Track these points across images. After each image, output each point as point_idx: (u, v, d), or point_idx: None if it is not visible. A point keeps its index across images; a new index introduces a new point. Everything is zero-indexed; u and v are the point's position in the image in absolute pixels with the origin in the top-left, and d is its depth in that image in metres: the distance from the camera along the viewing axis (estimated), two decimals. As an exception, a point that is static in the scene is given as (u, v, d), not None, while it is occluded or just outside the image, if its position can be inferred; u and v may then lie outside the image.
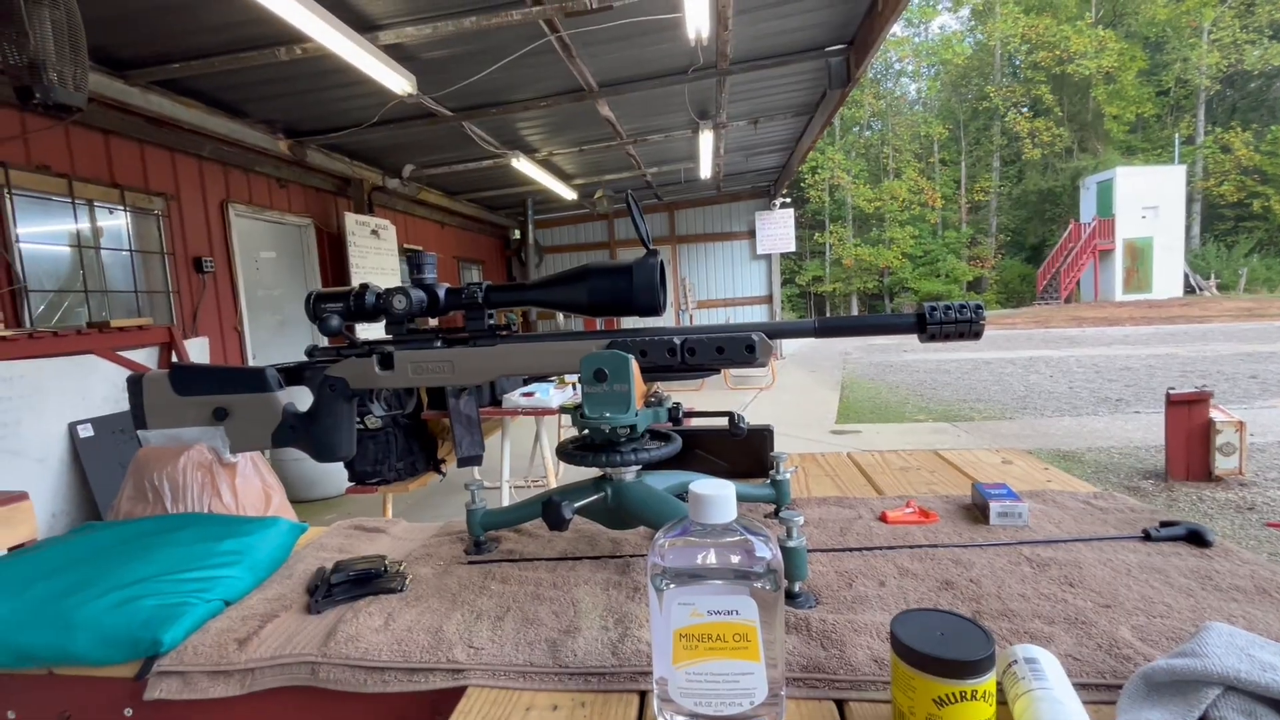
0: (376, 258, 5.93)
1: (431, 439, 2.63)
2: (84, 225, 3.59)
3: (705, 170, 6.97)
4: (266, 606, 0.72)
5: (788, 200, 10.09)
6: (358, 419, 0.85)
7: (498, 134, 5.45)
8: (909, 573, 0.72)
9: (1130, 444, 4.52)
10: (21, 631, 0.67)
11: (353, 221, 5.64)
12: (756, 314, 10.35)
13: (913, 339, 0.68)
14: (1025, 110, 25.48)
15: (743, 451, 1.07)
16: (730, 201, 10.11)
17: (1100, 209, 19.53)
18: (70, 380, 3.04)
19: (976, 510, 0.90)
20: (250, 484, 1.09)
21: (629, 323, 5.23)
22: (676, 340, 0.71)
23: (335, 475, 3.89)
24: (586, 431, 0.75)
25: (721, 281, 10.46)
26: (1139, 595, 0.64)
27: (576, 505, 0.72)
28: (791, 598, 0.65)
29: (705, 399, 7.32)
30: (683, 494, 0.77)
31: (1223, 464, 3.49)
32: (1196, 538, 0.75)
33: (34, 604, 0.70)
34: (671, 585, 0.46)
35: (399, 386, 0.81)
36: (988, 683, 0.43)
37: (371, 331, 2.58)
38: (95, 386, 3.16)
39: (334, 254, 5.70)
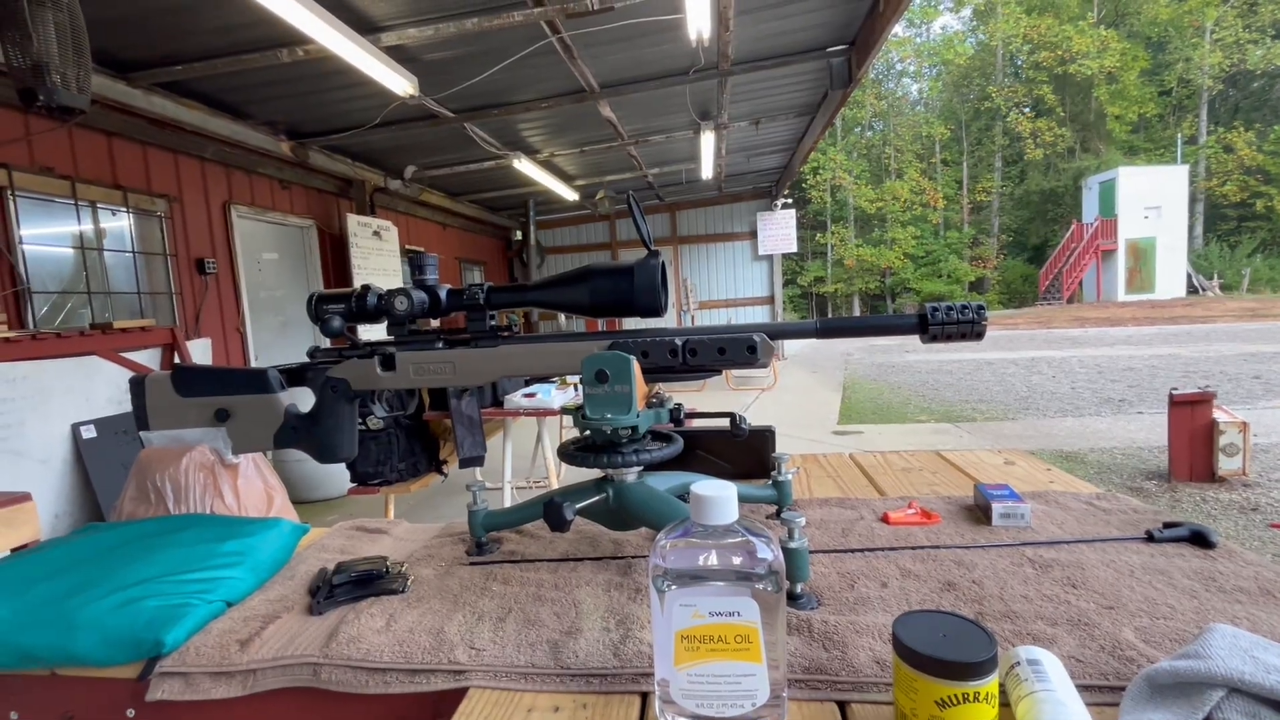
0: (378, 259, 5.94)
1: (433, 440, 2.63)
2: (87, 227, 3.60)
3: (707, 171, 6.98)
4: (268, 607, 0.73)
5: (789, 201, 10.09)
6: (360, 420, 0.85)
7: (499, 135, 5.45)
8: (911, 574, 0.72)
9: (1133, 445, 4.51)
10: (24, 632, 0.67)
11: (355, 223, 5.65)
12: (758, 315, 10.34)
13: (914, 340, 0.68)
14: (1027, 110, 25.45)
15: (744, 452, 1.07)
16: (732, 202, 10.11)
17: (1103, 209, 19.49)
18: (73, 381, 3.05)
19: (979, 511, 0.89)
20: (252, 485, 1.09)
21: (630, 324, 5.24)
22: (678, 341, 0.71)
23: (337, 476, 3.89)
24: (588, 432, 0.75)
25: (723, 282, 10.45)
26: (1142, 597, 0.64)
27: (578, 506, 0.72)
28: (793, 599, 0.65)
29: (707, 400, 7.32)
30: (684, 495, 0.77)
31: (1226, 465, 3.48)
32: (1200, 539, 0.75)
33: (37, 605, 0.70)
34: (673, 586, 0.46)
35: (401, 387, 0.81)
36: (990, 684, 0.43)
37: (373, 333, 2.58)
38: (98, 388, 3.16)
39: (336, 255, 5.71)
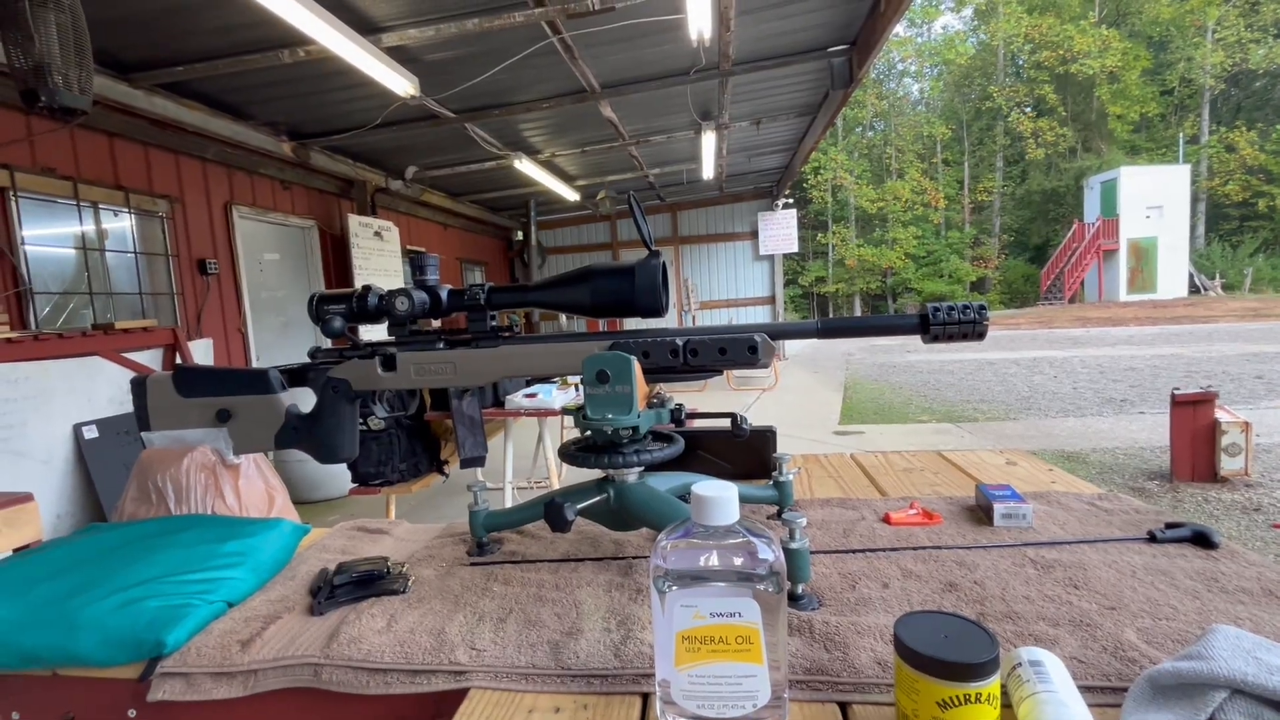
0: (379, 259, 5.94)
1: (434, 440, 2.63)
2: (89, 227, 3.61)
3: (708, 171, 6.97)
4: (269, 608, 0.73)
5: (790, 201, 10.08)
6: (361, 420, 0.85)
7: (500, 135, 5.46)
8: (912, 574, 0.72)
9: (1135, 445, 4.50)
10: (26, 632, 0.67)
11: (356, 223, 5.65)
12: (759, 315, 10.33)
13: (916, 340, 0.67)
14: (1029, 110, 25.43)
15: (745, 453, 1.06)
16: (733, 202, 10.11)
17: (1104, 209, 19.46)
18: (75, 382, 3.05)
19: (980, 512, 0.89)
20: (253, 485, 1.09)
21: (631, 324, 5.23)
22: (679, 341, 0.71)
23: (338, 476, 3.89)
24: (589, 433, 0.75)
25: (724, 282, 10.45)
26: (1144, 597, 0.64)
27: (579, 507, 0.72)
28: (794, 600, 0.65)
29: (708, 400, 7.31)
30: (685, 495, 0.77)
31: (1228, 465, 3.47)
32: (1202, 539, 0.75)
33: (38, 605, 0.71)
34: (674, 587, 0.46)
35: (402, 388, 0.81)
36: (992, 685, 0.43)
37: (374, 333, 2.58)
38: (100, 388, 3.17)
39: (337, 255, 5.72)
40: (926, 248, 25.01)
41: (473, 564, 0.81)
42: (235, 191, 4.67)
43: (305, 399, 0.83)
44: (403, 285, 0.79)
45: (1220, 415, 3.51)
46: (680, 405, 0.78)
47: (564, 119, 5.20)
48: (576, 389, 3.12)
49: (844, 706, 0.52)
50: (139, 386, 0.87)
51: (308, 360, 0.85)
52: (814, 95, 5.39)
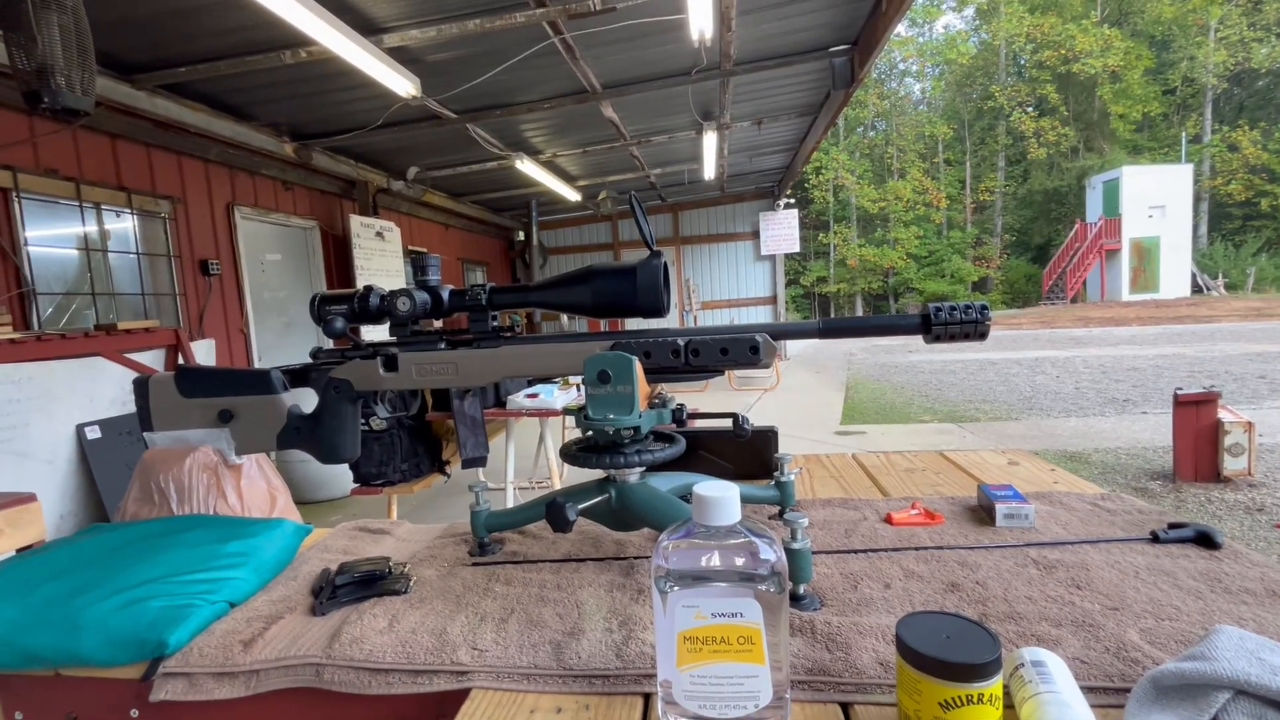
0: (381, 260, 5.95)
1: (436, 440, 2.63)
2: (91, 228, 3.62)
3: (709, 171, 6.97)
4: (271, 608, 0.73)
5: (792, 201, 10.08)
6: (362, 421, 0.85)
7: (501, 136, 5.46)
8: (914, 575, 0.72)
9: (1137, 445, 4.49)
10: (29, 633, 0.67)
11: (357, 224, 5.66)
12: (761, 315, 10.33)
13: (918, 340, 0.67)
14: (1030, 110, 25.38)
15: (747, 453, 1.06)
16: (734, 202, 10.11)
17: (1106, 208, 19.42)
18: (78, 382, 3.06)
19: (982, 512, 0.89)
20: (255, 485, 1.09)
21: (633, 324, 5.22)
22: (680, 341, 0.71)
23: (340, 477, 3.90)
24: (590, 433, 0.75)
25: (725, 282, 10.45)
26: (1147, 598, 0.64)
27: (580, 507, 0.72)
28: (796, 600, 0.65)
29: (709, 400, 7.31)
30: (687, 496, 0.77)
31: (1231, 465, 3.46)
32: (1205, 539, 0.75)
33: (41, 605, 0.71)
34: (675, 587, 0.46)
35: (403, 388, 0.81)
36: (994, 686, 0.43)
37: (376, 333, 2.59)
38: (103, 388, 3.17)
39: (339, 256, 5.72)
40: (928, 248, 24.98)
41: (474, 564, 0.81)
42: (237, 192, 4.68)
43: (307, 399, 0.83)
44: (404, 286, 0.79)
45: (1223, 415, 3.50)
46: (682, 405, 0.78)
47: (565, 119, 5.21)
48: (578, 389, 3.13)
49: (846, 707, 0.52)
50: (141, 387, 0.87)
51: (309, 361, 0.86)
52: (815, 95, 5.39)
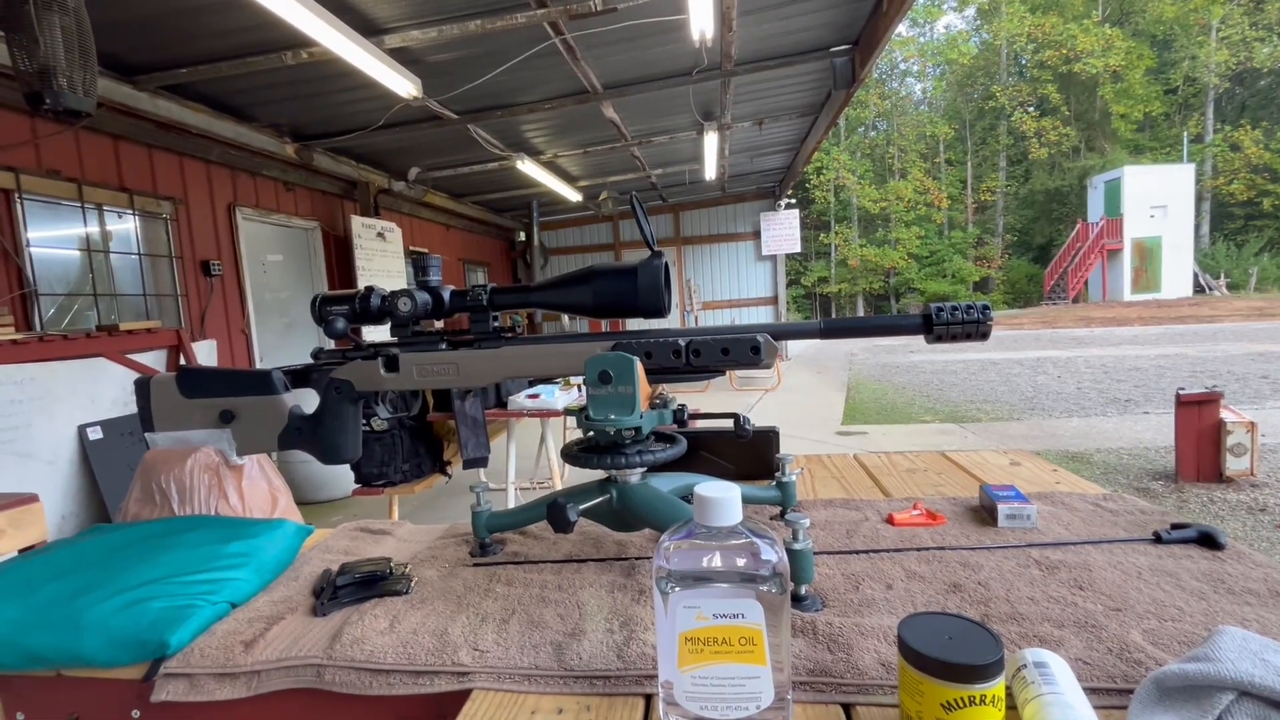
0: (382, 260, 5.95)
1: (437, 441, 2.63)
2: (93, 229, 3.62)
3: (710, 171, 6.97)
4: (272, 609, 0.73)
5: (793, 201, 10.08)
6: (364, 421, 0.85)
7: (502, 136, 5.46)
8: (916, 575, 0.72)
9: (1140, 445, 4.49)
10: (31, 633, 0.67)
11: (359, 224, 5.67)
12: (762, 315, 10.33)
13: (919, 340, 0.67)
14: (1032, 109, 25.35)
15: (748, 453, 1.06)
16: (735, 203, 10.11)
17: (1108, 208, 19.39)
18: (80, 383, 3.06)
19: (984, 512, 0.89)
20: (257, 486, 1.09)
21: (634, 324, 5.22)
22: (681, 342, 0.71)
23: (341, 477, 3.90)
24: (591, 434, 0.74)
25: (726, 283, 10.45)
26: (1150, 598, 0.63)
27: (582, 507, 0.72)
28: (798, 601, 0.65)
29: (710, 400, 7.31)
30: (688, 496, 0.77)
31: (1234, 465, 3.45)
32: (1208, 540, 0.75)
33: (43, 606, 0.71)
34: (677, 588, 0.46)
35: (405, 389, 0.81)
36: (997, 687, 0.43)
37: (377, 334, 2.59)
38: (104, 389, 3.18)
39: (340, 257, 5.73)
40: (929, 248, 24.96)
41: (475, 565, 0.81)
42: (239, 193, 4.69)
43: (308, 400, 0.83)
44: (405, 286, 0.79)
45: (1225, 415, 3.49)
46: (683, 406, 0.78)
47: (566, 120, 5.21)
48: (579, 390, 3.12)
49: (847, 708, 0.52)
50: (143, 388, 0.87)
51: (311, 361, 0.86)
52: (816, 95, 5.39)
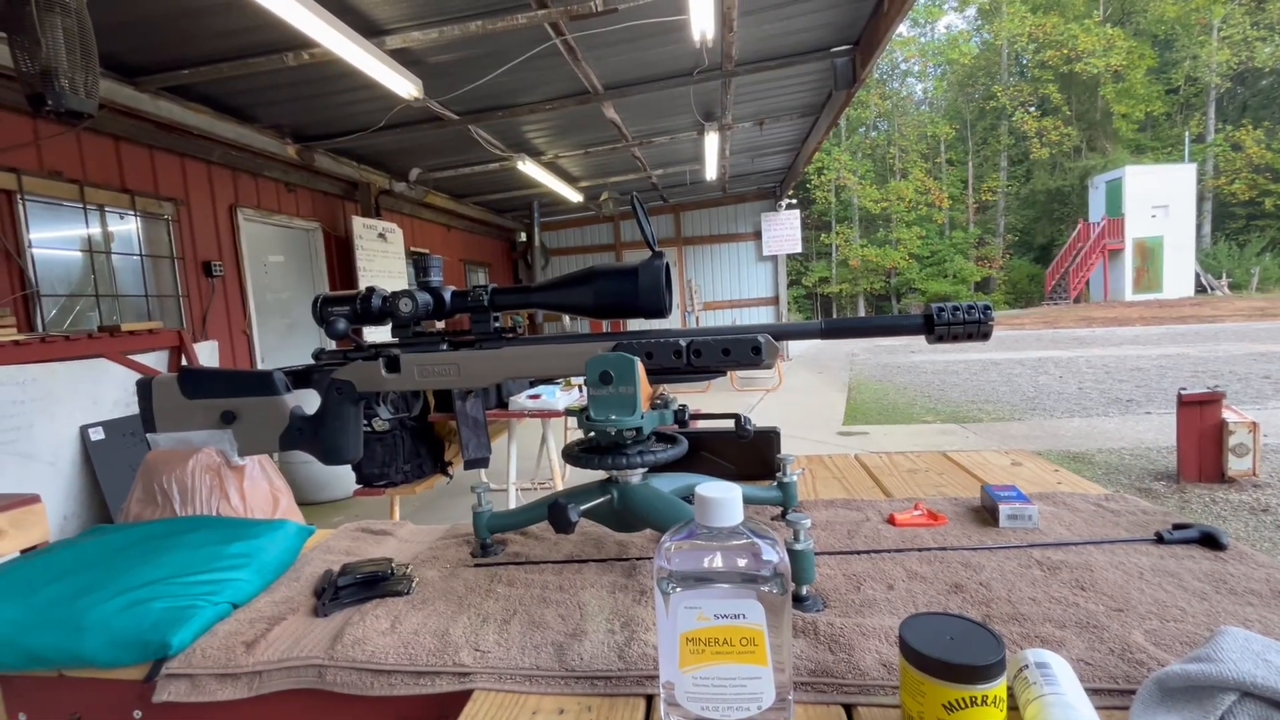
0: (383, 261, 5.96)
1: (438, 441, 2.64)
2: (95, 230, 3.63)
3: (711, 172, 6.97)
4: (274, 609, 0.73)
5: (794, 201, 10.08)
6: (365, 422, 0.85)
7: (503, 137, 5.47)
8: (917, 576, 0.71)
9: (1141, 445, 4.48)
10: (32, 633, 0.67)
11: (360, 225, 5.67)
12: (763, 315, 10.33)
13: (920, 340, 0.67)
14: (1033, 109, 25.34)
15: (749, 454, 1.06)
16: (736, 203, 10.11)
17: (1109, 208, 19.37)
18: (81, 384, 3.07)
19: (986, 512, 0.89)
20: (258, 487, 1.09)
21: (635, 325, 5.21)
22: (682, 342, 0.71)
23: (343, 478, 3.90)
24: (592, 434, 0.74)
25: (727, 283, 10.45)
26: (1152, 599, 0.63)
27: (583, 508, 0.72)
28: (799, 601, 0.65)
29: (712, 401, 7.31)
30: (689, 497, 0.77)
31: (1236, 465, 3.45)
32: (1210, 540, 0.74)
33: (45, 606, 0.71)
34: (678, 589, 0.46)
35: (406, 389, 0.81)
36: (998, 688, 0.42)
37: (378, 335, 2.59)
38: (106, 390, 3.18)
39: (341, 257, 5.73)
40: (930, 248, 24.94)
41: (477, 565, 0.81)
42: (240, 194, 4.69)
43: (309, 401, 0.83)
44: (406, 287, 0.79)
45: (1227, 415, 3.49)
46: (684, 406, 0.78)
47: (567, 120, 5.21)
48: (580, 390, 3.13)
49: (849, 709, 0.52)
50: (144, 388, 0.87)
51: (312, 362, 0.86)
52: (817, 95, 5.39)
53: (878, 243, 25.24)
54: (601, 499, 0.75)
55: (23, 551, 1.02)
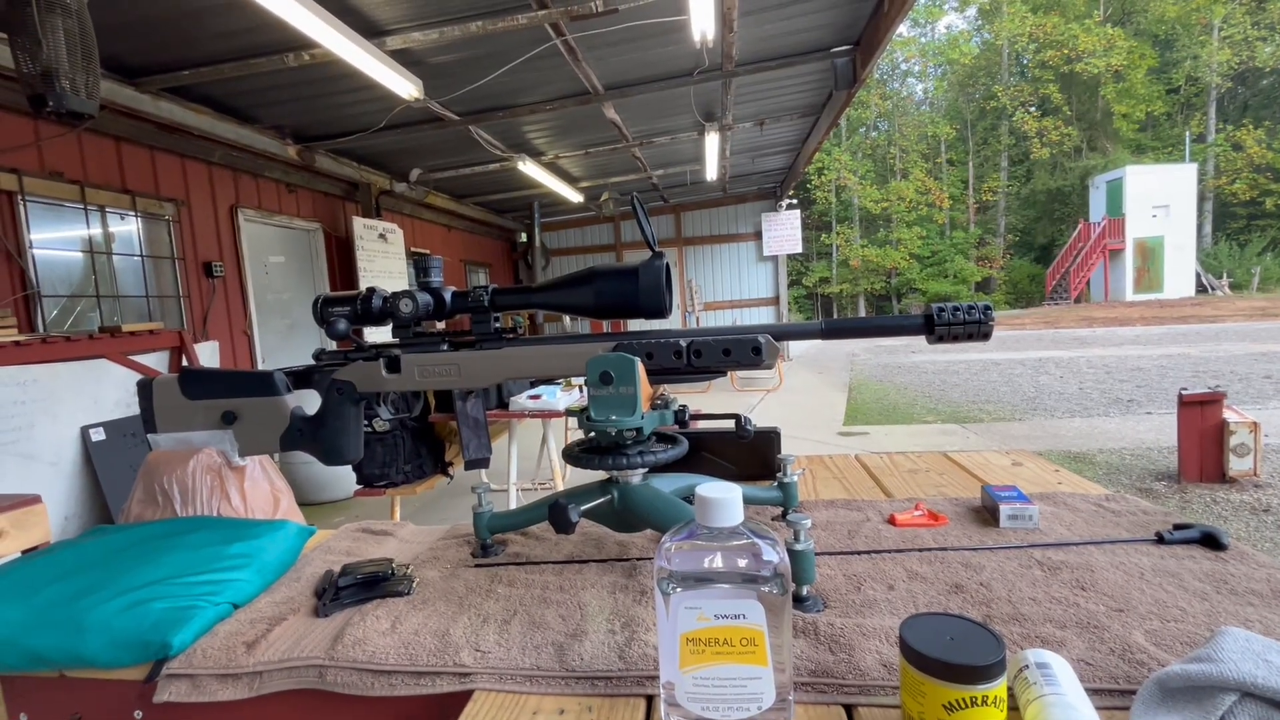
0: (384, 261, 5.96)
1: (439, 442, 2.64)
2: (96, 231, 3.63)
3: (711, 172, 6.97)
4: (274, 610, 0.73)
5: (794, 201, 10.08)
6: (365, 422, 0.85)
7: (504, 137, 5.47)
8: (918, 576, 0.71)
9: (1142, 445, 4.48)
10: (33, 634, 0.68)
11: (360, 225, 5.68)
12: (763, 315, 10.33)
13: (921, 340, 0.67)
14: (1033, 109, 25.33)
15: (750, 454, 1.06)
16: (736, 203, 10.11)
17: (1110, 208, 19.37)
18: (82, 384, 3.07)
19: (986, 513, 0.89)
20: (259, 487, 1.09)
21: (635, 325, 5.21)
22: (683, 342, 0.71)
23: (343, 478, 3.90)
24: (593, 434, 0.74)
25: (728, 283, 10.44)
26: (1152, 599, 0.63)
27: (583, 508, 0.72)
28: (799, 601, 0.65)
29: (712, 401, 7.31)
30: (689, 497, 0.77)
31: (1237, 465, 3.45)
32: (1211, 540, 0.74)
33: (46, 607, 0.71)
34: (678, 589, 0.46)
35: (406, 390, 0.81)
36: (999, 688, 0.42)
37: (379, 335, 2.59)
38: (107, 390, 3.18)
39: (342, 258, 5.74)
40: (931, 248, 24.94)
41: (477, 566, 0.81)
42: (241, 194, 4.70)
43: (310, 401, 0.83)
44: (407, 287, 0.79)
45: (1228, 415, 3.48)
46: (684, 406, 0.78)
47: (567, 121, 5.21)
48: (580, 390, 3.13)
49: (849, 709, 0.52)
50: (145, 389, 0.87)
51: (313, 362, 0.86)
52: (817, 96, 5.39)
53: (878, 243, 25.23)
54: (602, 499, 0.75)
55: (24, 552, 1.02)
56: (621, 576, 0.75)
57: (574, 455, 0.76)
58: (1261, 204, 21.60)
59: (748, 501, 0.82)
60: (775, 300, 10.32)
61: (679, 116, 5.39)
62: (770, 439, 1.06)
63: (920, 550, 0.78)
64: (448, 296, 0.79)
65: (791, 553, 0.62)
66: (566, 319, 8.63)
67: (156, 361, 3.50)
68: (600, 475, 0.77)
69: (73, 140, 3.44)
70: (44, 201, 3.32)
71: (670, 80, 4.47)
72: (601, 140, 5.91)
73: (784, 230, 9.84)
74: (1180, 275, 18.79)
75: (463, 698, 0.57)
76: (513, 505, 3.14)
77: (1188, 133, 22.62)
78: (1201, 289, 19.24)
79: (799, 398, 7.46)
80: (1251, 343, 9.87)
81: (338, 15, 2.85)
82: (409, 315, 0.78)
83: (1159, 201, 18.51)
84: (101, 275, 3.66)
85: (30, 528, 1.04)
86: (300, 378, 0.85)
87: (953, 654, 0.43)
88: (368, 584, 0.74)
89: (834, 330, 0.69)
